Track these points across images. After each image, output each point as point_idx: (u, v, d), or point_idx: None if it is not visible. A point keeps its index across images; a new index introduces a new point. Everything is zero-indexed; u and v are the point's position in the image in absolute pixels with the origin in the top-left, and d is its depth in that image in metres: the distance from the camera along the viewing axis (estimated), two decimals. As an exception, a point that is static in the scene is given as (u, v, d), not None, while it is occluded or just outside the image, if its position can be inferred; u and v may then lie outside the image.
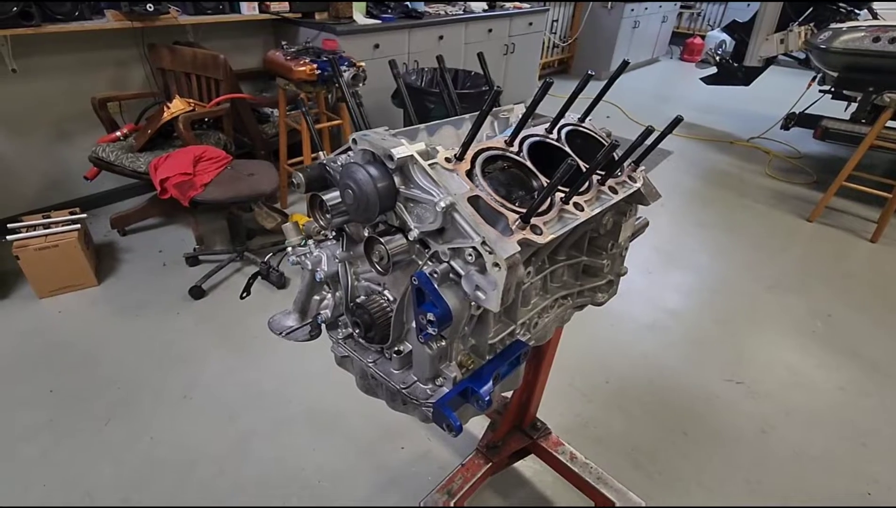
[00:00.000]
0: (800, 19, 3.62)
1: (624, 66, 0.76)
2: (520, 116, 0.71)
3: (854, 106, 3.45)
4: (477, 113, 0.63)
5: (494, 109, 0.89)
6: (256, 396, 1.74)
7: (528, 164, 0.70)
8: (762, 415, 1.79)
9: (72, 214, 2.23)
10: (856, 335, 2.20)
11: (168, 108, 2.31)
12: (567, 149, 0.76)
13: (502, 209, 0.60)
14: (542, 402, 1.39)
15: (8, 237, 2.03)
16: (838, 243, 2.94)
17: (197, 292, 2.17)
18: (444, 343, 0.66)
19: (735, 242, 2.91)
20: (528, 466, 1.56)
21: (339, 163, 0.68)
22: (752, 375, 1.96)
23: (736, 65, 4.18)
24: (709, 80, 4.50)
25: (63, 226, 2.13)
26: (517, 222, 0.60)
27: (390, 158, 0.59)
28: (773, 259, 2.76)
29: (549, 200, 0.65)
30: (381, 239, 0.62)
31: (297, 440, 1.60)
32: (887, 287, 2.55)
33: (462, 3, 3.92)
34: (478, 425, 1.53)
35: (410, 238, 0.62)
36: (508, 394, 1.35)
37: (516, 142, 0.72)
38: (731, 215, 3.20)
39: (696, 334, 2.17)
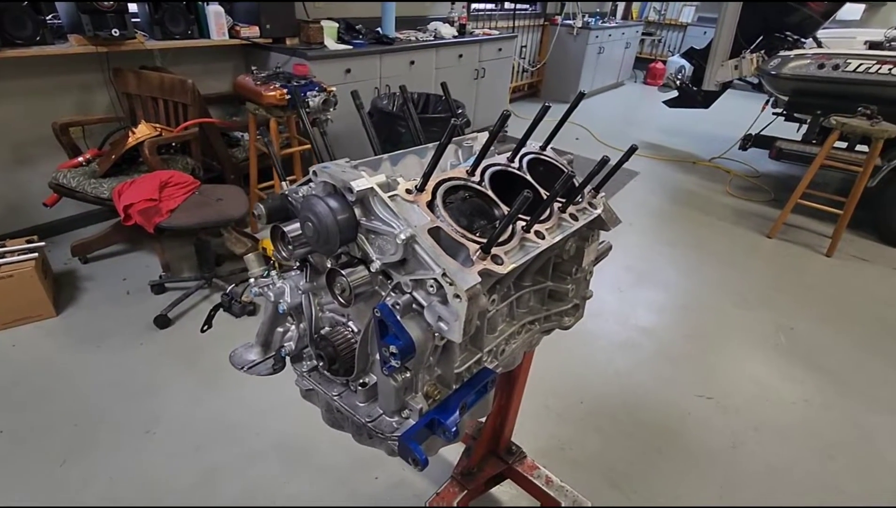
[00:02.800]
0: (751, 47, 3.84)
1: (580, 97, 0.79)
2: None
3: (805, 128, 3.65)
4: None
5: (458, 137, 0.91)
6: (224, 428, 1.68)
7: (490, 193, 0.71)
8: (732, 430, 1.82)
9: (29, 242, 2.14)
10: (817, 347, 2.28)
11: (133, 133, 2.27)
12: (528, 177, 0.78)
13: (463, 240, 0.61)
14: (517, 425, 1.39)
15: (-42, 268, 1.93)
16: (797, 258, 3.07)
17: (162, 321, 2.10)
18: (408, 375, 0.65)
19: (701, 258, 3.00)
20: (505, 491, 1.54)
21: (301, 194, 0.67)
22: (722, 390, 2.00)
23: (695, 89, 4.38)
24: (670, 103, 4.69)
25: (19, 255, 2.04)
26: (478, 253, 0.60)
27: (350, 190, 0.59)
28: (737, 275, 2.85)
29: (509, 229, 0.66)
30: (342, 271, 0.61)
31: (267, 472, 1.55)
32: (843, 299, 2.67)
33: (432, 29, 4.01)
34: (453, 451, 1.50)
35: (372, 270, 0.62)
36: (483, 419, 1.34)
37: (478, 171, 0.73)
38: (696, 233, 3.31)
39: (667, 350, 2.21)
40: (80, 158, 2.32)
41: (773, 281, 2.82)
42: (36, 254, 2.07)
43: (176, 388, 1.82)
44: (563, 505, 1.31)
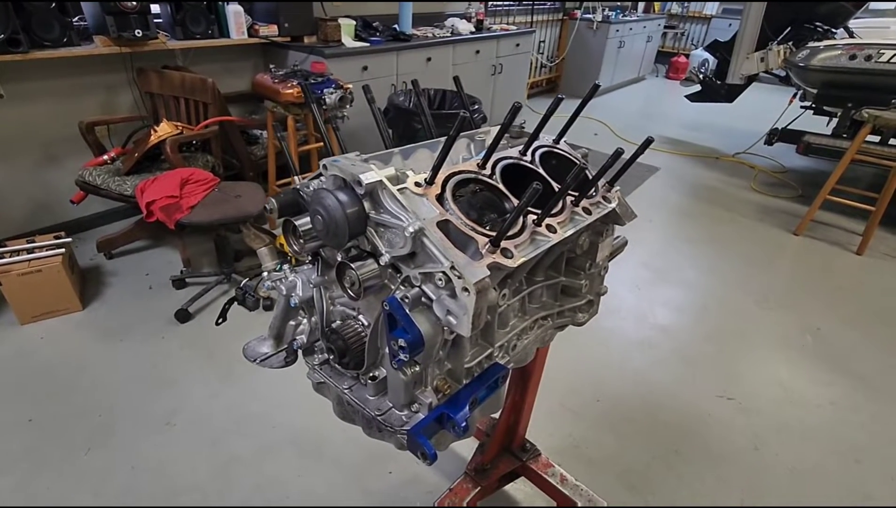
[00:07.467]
0: (778, 38, 3.72)
1: (594, 89, 0.77)
2: (494, 138, 0.72)
3: (835, 121, 3.53)
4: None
5: (471, 131, 0.90)
6: (241, 421, 1.71)
7: (500, 186, 0.70)
8: (754, 432, 1.77)
9: (56, 238, 2.21)
10: (845, 349, 2.20)
11: (155, 131, 2.32)
12: (540, 170, 0.76)
13: (472, 233, 0.60)
14: (532, 422, 1.37)
15: (-10, 263, 2.00)
16: (825, 256, 2.97)
17: (183, 316, 2.15)
18: (418, 369, 0.65)
19: (723, 256, 2.92)
20: (519, 489, 1.53)
21: (312, 188, 0.68)
22: (744, 391, 1.95)
23: (719, 82, 4.27)
24: (693, 97, 4.58)
25: (47, 250, 2.11)
26: (487, 246, 0.59)
27: (359, 183, 0.59)
28: (761, 273, 2.77)
29: (520, 222, 0.65)
30: (352, 264, 0.61)
31: (282, 465, 1.57)
32: (874, 300, 2.57)
33: (449, 25, 4.00)
34: (466, 447, 1.50)
35: (382, 263, 0.61)
36: (497, 415, 1.33)
37: (489, 164, 0.72)
38: (718, 230, 3.23)
39: (686, 350, 2.16)
40: (105, 157, 2.38)
41: (799, 280, 2.74)
42: (63, 250, 2.13)
43: (195, 381, 1.86)
44: (578, 505, 1.29)
